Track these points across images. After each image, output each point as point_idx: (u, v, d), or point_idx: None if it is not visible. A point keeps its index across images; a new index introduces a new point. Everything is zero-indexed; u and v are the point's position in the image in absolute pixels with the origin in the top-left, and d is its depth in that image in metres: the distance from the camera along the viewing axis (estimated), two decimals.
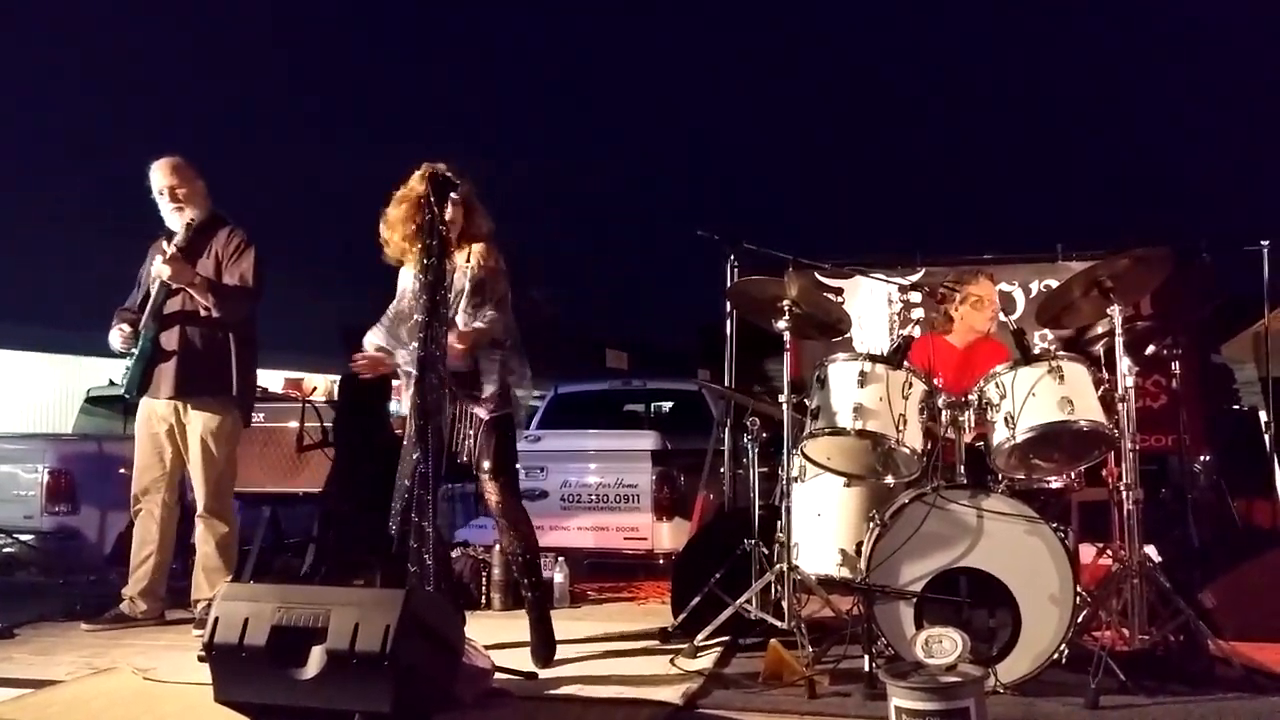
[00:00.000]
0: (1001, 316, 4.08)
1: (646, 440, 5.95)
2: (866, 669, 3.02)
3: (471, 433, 3.39)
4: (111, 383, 6.86)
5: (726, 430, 4.69)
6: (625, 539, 5.77)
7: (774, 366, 5.92)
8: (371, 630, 2.55)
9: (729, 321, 4.38)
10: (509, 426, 3.48)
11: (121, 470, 5.65)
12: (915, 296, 4.83)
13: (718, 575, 3.74)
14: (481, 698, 2.90)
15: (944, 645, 2.54)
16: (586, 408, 7.37)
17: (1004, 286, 4.93)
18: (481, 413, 3.39)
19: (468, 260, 3.40)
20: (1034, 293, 4.94)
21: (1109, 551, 3.63)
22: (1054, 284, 4.81)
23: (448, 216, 3.24)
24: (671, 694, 2.99)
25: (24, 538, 5.57)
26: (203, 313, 4.11)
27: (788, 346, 3.42)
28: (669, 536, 5.71)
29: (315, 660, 2.58)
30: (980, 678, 2.46)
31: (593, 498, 5.83)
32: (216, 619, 2.66)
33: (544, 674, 3.26)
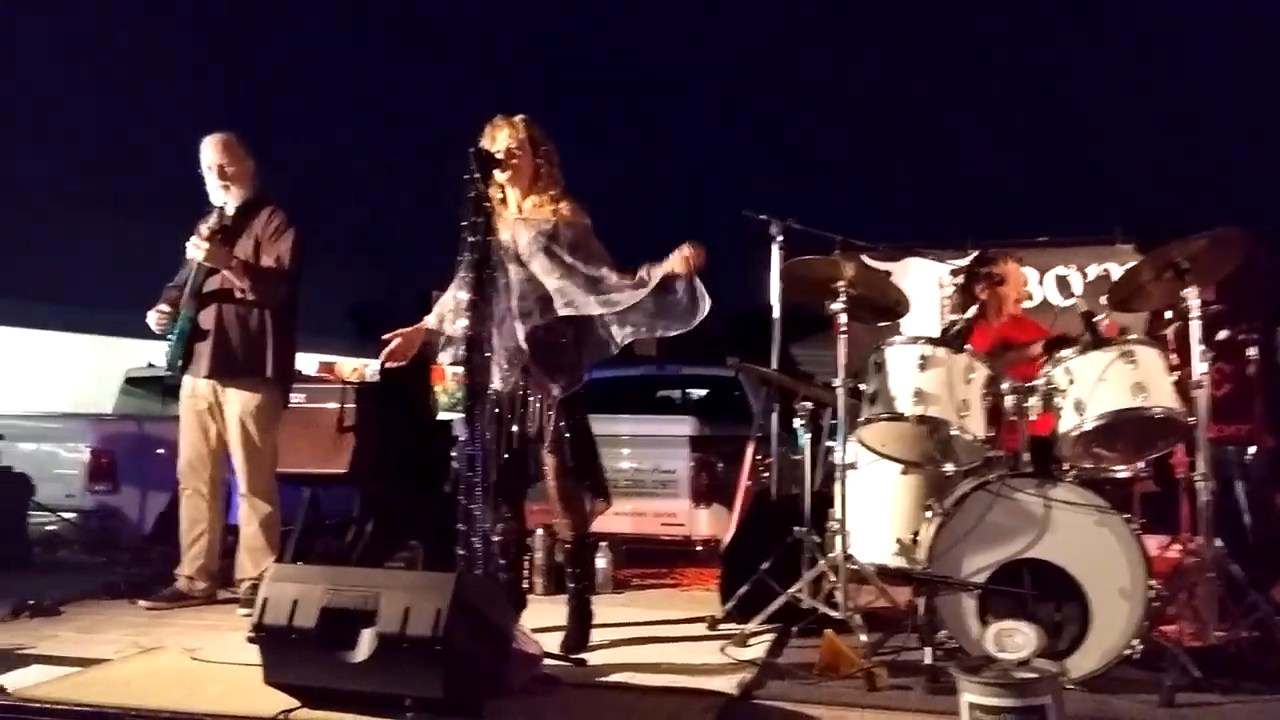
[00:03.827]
0: (1064, 300, 3.96)
1: (684, 426, 5.87)
2: (928, 661, 2.93)
3: (540, 408, 3.32)
4: (151, 364, 6.89)
5: (773, 415, 4.59)
6: (663, 525, 5.68)
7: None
8: (423, 614, 2.49)
9: (776, 304, 4.28)
10: (579, 403, 3.39)
11: (160, 450, 5.69)
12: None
13: (767, 564, 3.66)
14: (531, 684, 2.84)
15: (1015, 640, 2.44)
16: (621, 393, 7.29)
17: (1060, 270, 4.79)
18: (555, 389, 3.30)
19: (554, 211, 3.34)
20: (1091, 276, 4.79)
21: (1177, 544, 3.51)
22: (1112, 267, 4.68)
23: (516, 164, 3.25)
24: (726, 684, 2.91)
25: (66, 516, 5.61)
26: (238, 294, 4.08)
27: (843, 329, 3.31)
28: (707, 523, 5.63)
29: (366, 643, 2.53)
30: (1057, 674, 2.36)
31: (629, 483, 5.74)
32: (265, 600, 2.61)
33: (594, 661, 3.20)
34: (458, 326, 3.09)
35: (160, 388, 6.78)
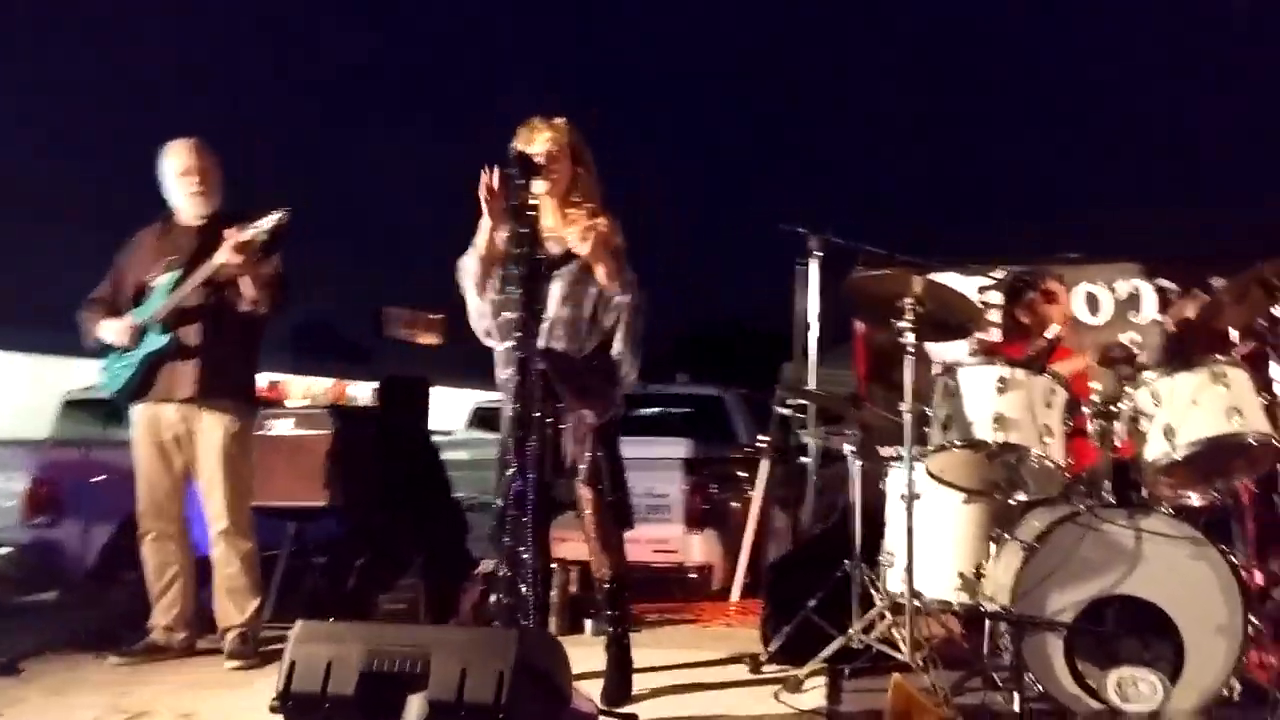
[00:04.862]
0: (1094, 318, 3.81)
1: (679, 448, 5.62)
2: (1016, 709, 2.70)
3: (574, 438, 3.01)
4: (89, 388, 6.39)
5: (813, 440, 4.35)
6: (654, 551, 5.42)
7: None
8: (482, 678, 2.18)
9: (814, 321, 4.03)
10: (615, 431, 3.12)
11: (103, 477, 5.22)
12: (995, 297, 4.51)
13: (814, 601, 3.40)
14: None
15: (1141, 689, 2.24)
16: None
17: (1088, 286, 4.65)
18: (591, 417, 2.99)
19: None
20: (1122, 294, 4.65)
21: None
22: (1140, 284, 4.58)
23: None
24: None
25: (1, 551, 5.09)
26: (247, 306, 3.67)
27: (910, 351, 3.08)
28: (700, 549, 5.40)
29: (414, 712, 2.21)
30: None
31: None
32: (293, 664, 2.26)
33: (645, 715, 2.89)
34: (503, 347, 2.77)
35: (102, 411, 6.31)
